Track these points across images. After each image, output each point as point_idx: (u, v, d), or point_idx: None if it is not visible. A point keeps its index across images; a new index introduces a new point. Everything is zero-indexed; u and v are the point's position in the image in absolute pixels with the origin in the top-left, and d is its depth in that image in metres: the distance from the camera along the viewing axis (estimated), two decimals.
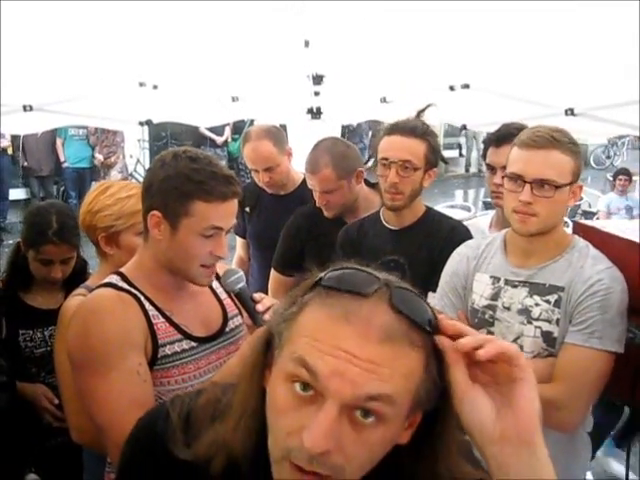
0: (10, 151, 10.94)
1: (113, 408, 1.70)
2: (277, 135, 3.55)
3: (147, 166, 12.41)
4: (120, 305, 1.81)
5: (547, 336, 2.09)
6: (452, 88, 3.58)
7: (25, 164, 11.23)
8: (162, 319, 1.86)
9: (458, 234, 2.58)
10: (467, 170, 17.56)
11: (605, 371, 2.01)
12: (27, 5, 2.80)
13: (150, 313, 1.84)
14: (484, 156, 2.82)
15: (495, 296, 2.19)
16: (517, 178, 2.06)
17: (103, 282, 1.91)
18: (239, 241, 4.00)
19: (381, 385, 0.92)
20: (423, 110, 2.70)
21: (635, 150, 18.19)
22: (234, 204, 1.85)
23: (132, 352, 1.76)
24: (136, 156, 12.20)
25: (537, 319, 2.10)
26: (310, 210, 3.27)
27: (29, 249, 2.69)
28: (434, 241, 2.61)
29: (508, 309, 2.16)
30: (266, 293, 3.41)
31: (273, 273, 3.36)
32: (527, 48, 3.08)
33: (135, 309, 1.82)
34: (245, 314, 1.94)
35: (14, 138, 10.72)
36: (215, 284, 2.04)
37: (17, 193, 11.45)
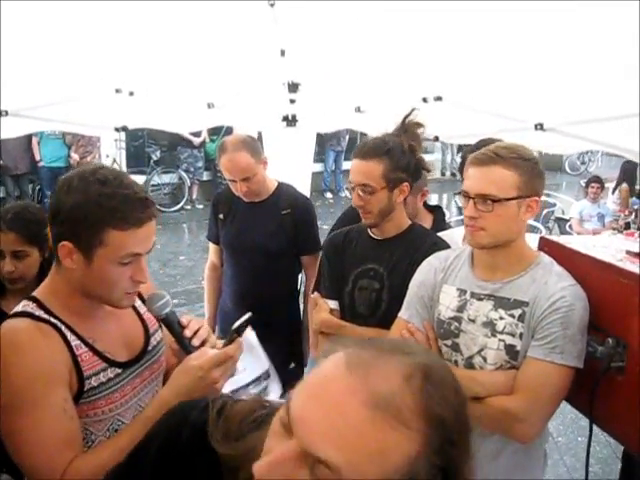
0: None
1: (41, 449, 1.61)
2: (253, 145, 3.59)
3: (123, 166, 12.37)
4: (41, 337, 1.67)
5: (510, 349, 2.15)
6: (425, 100, 3.62)
7: (0, 163, 11.15)
8: (85, 348, 1.75)
9: (438, 250, 2.62)
10: (442, 174, 17.71)
11: (564, 385, 2.07)
12: (2, 11, 2.81)
13: (72, 343, 1.72)
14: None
15: (461, 308, 2.25)
16: (465, 194, 2.16)
17: (18, 311, 1.75)
18: (212, 247, 4.03)
19: (334, 452, 0.85)
20: (408, 115, 2.76)
21: (610, 157, 18.43)
22: (151, 226, 1.73)
23: (57, 387, 1.65)
24: (112, 156, 12.15)
25: (501, 332, 2.16)
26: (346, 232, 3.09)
27: None
28: (414, 254, 2.66)
29: (473, 321, 2.22)
30: (241, 298, 3.52)
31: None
32: (499, 63, 3.13)
33: (57, 340, 1.70)
34: (172, 338, 1.85)
35: None
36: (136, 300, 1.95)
37: None
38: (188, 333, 1.81)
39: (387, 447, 0.85)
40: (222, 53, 3.73)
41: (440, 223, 3.23)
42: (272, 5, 3.37)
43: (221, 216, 3.85)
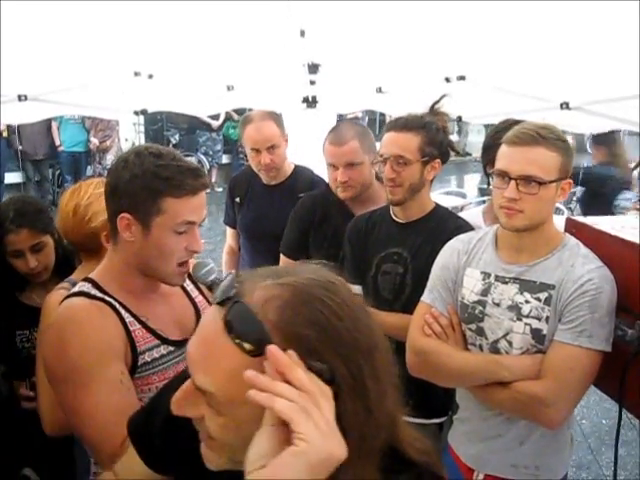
0: (6, 134, 10.90)
1: (101, 421, 1.67)
2: (278, 118, 3.61)
3: None
4: (96, 315, 1.76)
5: (536, 333, 2.10)
6: (448, 80, 3.57)
7: (20, 148, 11.20)
8: (139, 325, 1.83)
9: (463, 233, 2.59)
10: (460, 154, 17.54)
11: (592, 370, 2.03)
12: None
13: (127, 320, 1.80)
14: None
15: (485, 292, 2.21)
16: (503, 175, 2.08)
17: (74, 291, 1.86)
18: (229, 231, 4.01)
19: (203, 378, 0.98)
20: (438, 102, 2.72)
21: (633, 136, 18.13)
22: (203, 196, 1.84)
23: (114, 361, 1.73)
24: (131, 140, 12.17)
25: (527, 316, 2.12)
26: (318, 195, 3.29)
27: (1, 247, 2.66)
28: (438, 238, 2.62)
29: (498, 305, 2.17)
30: None
31: (282, 257, 3.36)
32: (524, 41, 3.08)
33: (112, 317, 1.78)
34: None
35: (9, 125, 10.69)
36: (186, 282, 2.02)
37: (13, 177, 11.43)
38: None
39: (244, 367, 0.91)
40: (241, 34, 3.69)
41: None
42: None
43: (237, 199, 3.83)
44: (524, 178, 2.04)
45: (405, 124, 2.62)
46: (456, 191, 10.27)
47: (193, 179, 1.78)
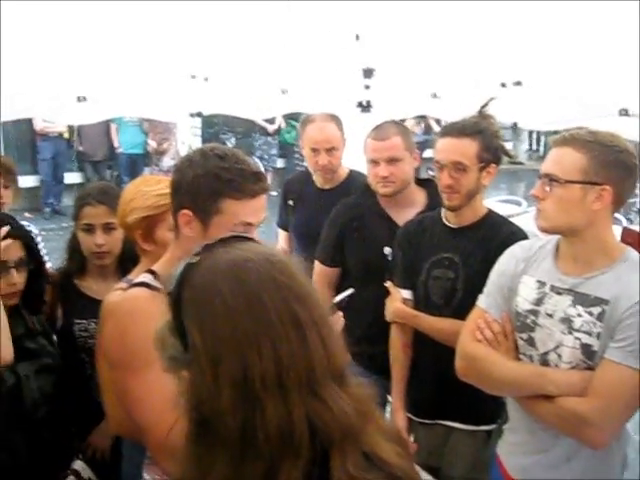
0: (66, 135, 11.13)
1: (153, 407, 1.71)
2: (339, 121, 3.64)
3: None
4: (157, 305, 1.79)
5: (586, 349, 2.04)
6: (504, 85, 3.52)
7: (80, 149, 11.42)
8: None
9: (516, 239, 2.52)
10: (515, 163, 17.26)
11: None
12: None
13: None
14: None
15: (539, 301, 2.15)
16: (539, 175, 2.11)
17: (136, 281, 1.95)
18: (281, 234, 4.01)
19: None
20: (485, 105, 2.69)
21: None
22: (263, 199, 1.88)
23: None
24: (188, 143, 12.29)
25: (578, 330, 2.05)
26: (353, 202, 3.28)
27: (74, 221, 2.79)
28: (491, 243, 2.60)
29: (550, 316, 2.12)
30: None
31: (316, 264, 3.37)
32: (582, 46, 3.02)
33: None
34: None
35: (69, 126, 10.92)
36: None
37: (72, 177, 11.66)
38: None
39: None
40: (297, 38, 3.71)
41: (435, 198, 2.93)
42: None
43: (291, 202, 3.83)
44: (546, 176, 2.04)
45: (462, 129, 2.59)
46: (511, 199, 10.10)
47: (254, 182, 1.83)
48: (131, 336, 1.76)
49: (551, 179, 2.03)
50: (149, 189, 2.33)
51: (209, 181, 1.80)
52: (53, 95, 3.26)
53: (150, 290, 1.87)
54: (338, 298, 1.86)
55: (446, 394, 2.65)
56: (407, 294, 2.81)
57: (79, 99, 3.32)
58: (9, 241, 2.32)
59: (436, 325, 2.67)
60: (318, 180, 3.70)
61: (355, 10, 3.48)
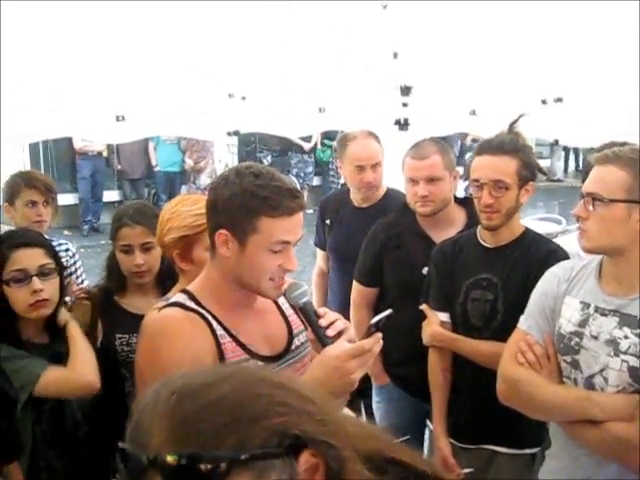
0: (105, 154, 11.28)
1: None
2: (378, 137, 3.67)
3: None
4: (188, 325, 1.82)
5: (634, 371, 1.98)
6: (544, 102, 3.47)
7: (119, 167, 11.57)
8: (229, 339, 1.86)
9: (556, 258, 2.49)
10: (551, 180, 17.02)
11: None
12: (121, 17, 2.88)
13: (218, 333, 1.85)
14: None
15: (583, 323, 2.10)
16: (581, 195, 2.06)
17: (171, 301, 1.94)
18: (319, 253, 3.99)
19: None
20: (515, 121, 2.64)
21: None
22: (300, 217, 1.85)
23: None
24: (225, 161, 12.38)
25: (625, 352, 2.00)
26: (392, 221, 3.25)
27: (113, 242, 2.82)
28: (530, 263, 2.55)
29: (596, 338, 2.06)
30: (347, 306, 3.43)
31: (355, 284, 3.35)
32: (622, 61, 2.97)
33: (203, 329, 1.83)
34: (309, 329, 1.91)
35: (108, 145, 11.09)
36: (281, 299, 2.03)
37: (110, 195, 11.80)
38: (324, 323, 1.84)
39: None
40: (334, 57, 3.70)
41: (473, 218, 2.87)
42: (385, 7, 3.32)
43: (328, 221, 3.82)
44: (589, 195, 2.00)
45: (501, 147, 2.54)
46: (549, 217, 9.96)
47: (290, 200, 1.80)
48: (161, 355, 1.76)
49: (594, 198, 1.98)
50: (186, 209, 2.33)
51: (245, 200, 1.78)
52: (92, 114, 3.28)
53: (184, 310, 1.86)
54: (376, 319, 1.83)
55: (488, 417, 2.60)
56: (444, 317, 2.76)
57: (118, 118, 3.34)
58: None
59: (477, 348, 2.62)
60: (357, 198, 3.68)
61: (392, 28, 3.46)
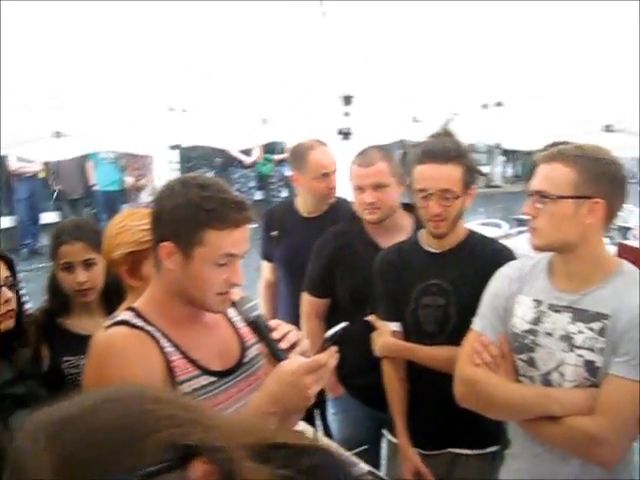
0: (43, 174, 11.04)
1: None
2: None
3: None
4: (136, 344, 1.77)
5: (589, 365, 1.99)
6: (485, 106, 3.52)
7: (57, 188, 11.33)
8: (179, 355, 1.82)
9: (504, 257, 2.50)
10: (490, 186, 17.27)
11: None
12: (59, 31, 2.81)
13: (166, 350, 1.80)
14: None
15: (537, 320, 2.11)
16: (529, 193, 2.08)
17: (117, 320, 1.86)
18: (266, 265, 3.94)
19: None
20: (444, 126, 2.63)
21: None
22: (247, 230, 1.81)
23: None
24: (166, 178, 12.25)
25: (580, 347, 2.01)
26: (340, 230, 3.23)
27: (52, 261, 2.71)
28: (478, 264, 2.54)
29: (550, 335, 2.07)
30: (298, 317, 3.40)
31: (305, 296, 3.31)
32: (564, 64, 3.03)
33: (151, 347, 1.78)
34: (262, 343, 1.87)
35: (46, 162, 10.85)
36: (231, 312, 2.00)
37: (49, 217, 11.51)
38: (276, 335, 1.81)
39: None
40: (276, 68, 3.69)
41: (421, 223, 2.79)
42: (324, 14, 3.32)
43: (274, 233, 3.77)
44: (536, 193, 2.01)
45: (446, 154, 2.49)
46: (491, 222, 10.11)
47: (237, 212, 1.76)
48: (110, 375, 1.69)
49: (542, 195, 2.00)
50: (134, 224, 2.27)
51: (191, 211, 1.73)
52: (29, 131, 3.20)
53: (130, 328, 1.80)
54: (330, 332, 1.80)
55: (449, 421, 2.58)
56: (396, 326, 2.72)
57: (55, 135, 3.27)
58: None
59: (432, 354, 2.60)
60: (307, 208, 3.66)
61: (333, 37, 3.46)
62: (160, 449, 0.84)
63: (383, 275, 2.76)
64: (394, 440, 2.81)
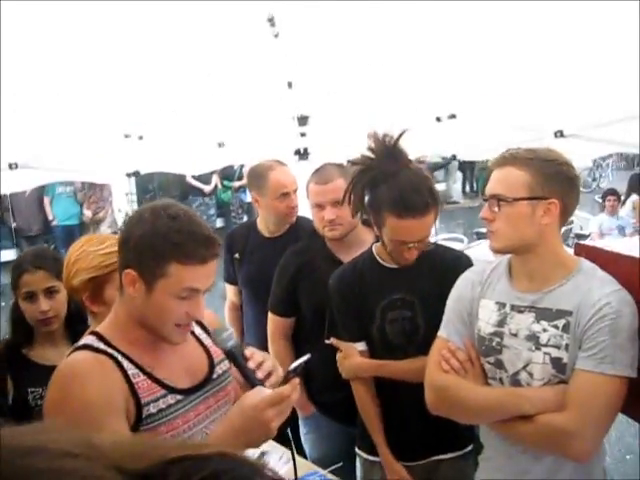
0: None
1: None
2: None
3: None
4: (98, 368, 1.75)
5: (556, 362, 2.02)
6: (439, 119, 3.57)
7: (14, 225, 11.18)
8: (143, 376, 1.80)
9: (463, 262, 2.54)
10: (449, 202, 17.42)
11: (618, 397, 1.94)
12: (8, 60, 2.78)
13: (129, 372, 1.78)
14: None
15: (501, 322, 2.14)
16: (484, 198, 2.13)
17: (79, 344, 1.85)
18: (229, 288, 3.93)
19: None
20: (396, 142, 2.50)
21: (620, 171, 18.33)
22: (213, 265, 1.79)
23: (111, 417, 1.69)
24: (125, 210, 12.15)
25: (546, 345, 2.04)
26: (302, 248, 3.23)
27: (14, 292, 2.67)
28: (439, 273, 2.56)
29: (515, 335, 2.10)
30: (264, 338, 3.39)
31: (270, 316, 3.30)
32: (512, 73, 3.08)
33: (112, 370, 1.76)
34: (236, 371, 1.86)
35: (2, 199, 10.72)
36: (198, 330, 1.99)
37: (8, 254, 11.34)
38: (252, 365, 1.80)
39: None
40: (229, 90, 3.70)
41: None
42: (276, 36, 3.34)
43: (236, 255, 3.76)
44: (492, 197, 2.06)
45: (424, 207, 2.41)
46: (452, 237, 10.23)
47: (205, 248, 1.74)
48: (73, 403, 1.67)
49: (499, 199, 2.04)
50: (93, 249, 2.25)
51: (156, 242, 1.71)
52: None
53: (92, 352, 1.79)
54: (294, 365, 1.79)
55: (427, 430, 2.57)
56: (361, 346, 2.69)
57: (10, 166, 3.23)
58: None
59: (405, 367, 2.58)
60: (269, 228, 3.66)
61: (285, 57, 3.48)
62: None
63: (342, 296, 2.73)
64: (371, 458, 2.79)
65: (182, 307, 1.77)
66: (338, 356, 2.76)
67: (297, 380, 1.76)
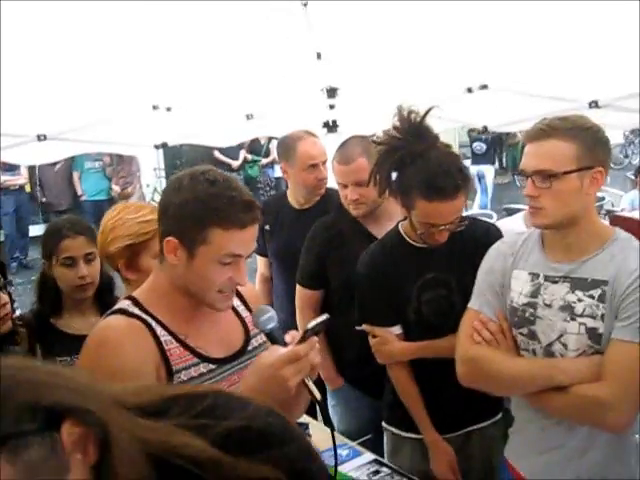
0: (28, 188, 10.98)
1: None
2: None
3: None
4: (130, 335, 1.74)
5: (592, 332, 1.98)
6: (470, 90, 3.51)
7: (44, 200, 11.28)
8: (176, 344, 1.79)
9: (493, 234, 2.49)
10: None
11: None
12: (37, 31, 2.78)
13: (162, 339, 1.77)
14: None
15: (535, 293, 2.09)
16: (522, 174, 2.04)
17: (114, 308, 1.85)
18: (260, 260, 3.92)
19: None
20: (425, 114, 2.50)
21: None
22: (254, 230, 1.77)
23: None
24: (153, 185, 12.20)
25: (581, 315, 2.00)
26: (331, 220, 3.20)
27: (50, 258, 2.66)
28: (470, 246, 2.51)
29: (549, 306, 2.06)
30: (293, 310, 3.37)
31: (298, 288, 3.28)
32: (545, 42, 3.02)
33: (145, 337, 1.75)
34: None
35: (31, 175, 10.80)
36: (236, 302, 1.96)
37: (37, 229, 11.44)
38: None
39: None
40: (258, 61, 3.67)
41: None
42: (305, 5, 3.29)
43: (267, 227, 3.74)
44: (537, 173, 1.98)
45: (454, 189, 2.37)
46: (484, 213, 10.13)
47: (244, 212, 1.72)
48: (103, 370, 1.64)
49: (549, 175, 1.96)
50: (130, 217, 2.25)
51: (196, 208, 1.69)
52: (10, 135, 3.16)
53: (126, 317, 1.78)
54: (312, 324, 1.76)
55: (460, 403, 2.53)
56: (398, 329, 2.64)
57: (39, 138, 3.23)
58: None
59: (446, 345, 2.44)
60: (298, 200, 3.63)
61: (314, 28, 3.44)
62: (19, 412, 0.82)
63: (374, 281, 2.66)
64: (401, 433, 2.76)
65: (224, 273, 1.74)
66: (372, 342, 2.70)
67: (315, 339, 1.72)
